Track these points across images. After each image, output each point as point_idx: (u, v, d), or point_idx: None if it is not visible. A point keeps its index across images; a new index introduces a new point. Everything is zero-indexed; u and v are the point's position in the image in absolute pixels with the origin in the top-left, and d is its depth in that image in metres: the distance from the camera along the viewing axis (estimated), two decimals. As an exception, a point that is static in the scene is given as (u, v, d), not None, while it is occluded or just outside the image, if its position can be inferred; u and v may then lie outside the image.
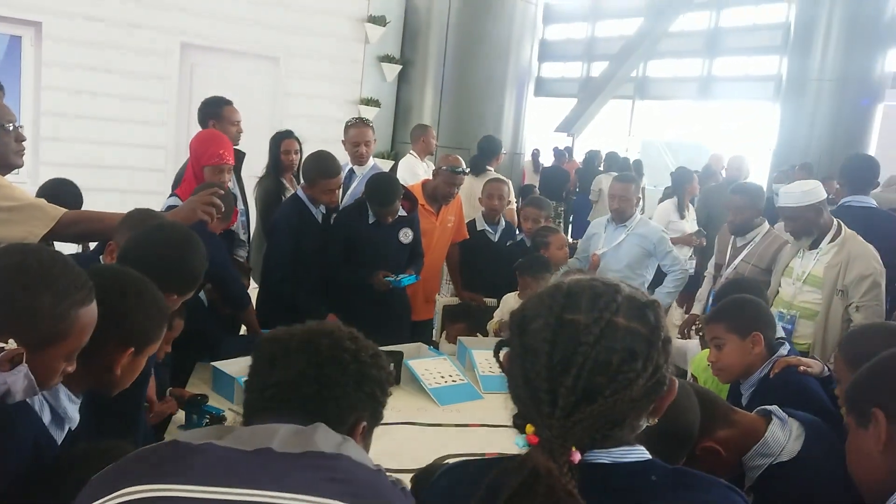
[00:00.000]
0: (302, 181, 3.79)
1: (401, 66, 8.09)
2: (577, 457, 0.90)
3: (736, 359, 2.26)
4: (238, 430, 1.11)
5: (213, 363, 2.82)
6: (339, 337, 1.20)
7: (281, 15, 7.30)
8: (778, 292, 3.41)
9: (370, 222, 3.62)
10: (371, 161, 4.37)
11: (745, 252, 3.86)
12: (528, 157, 13.41)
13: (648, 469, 0.98)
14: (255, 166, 4.48)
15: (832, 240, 3.24)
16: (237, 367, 2.80)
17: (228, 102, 4.18)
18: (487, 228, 4.30)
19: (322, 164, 3.53)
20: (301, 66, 7.53)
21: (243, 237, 3.97)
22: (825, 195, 3.26)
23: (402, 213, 3.68)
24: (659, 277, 4.16)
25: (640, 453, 0.99)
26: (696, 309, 4.15)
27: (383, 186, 3.58)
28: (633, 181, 4.05)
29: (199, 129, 3.93)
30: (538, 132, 17.31)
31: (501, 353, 1.03)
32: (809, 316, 3.26)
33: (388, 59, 8.01)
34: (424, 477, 1.71)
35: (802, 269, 3.27)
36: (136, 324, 1.48)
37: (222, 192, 2.69)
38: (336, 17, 7.74)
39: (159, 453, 1.06)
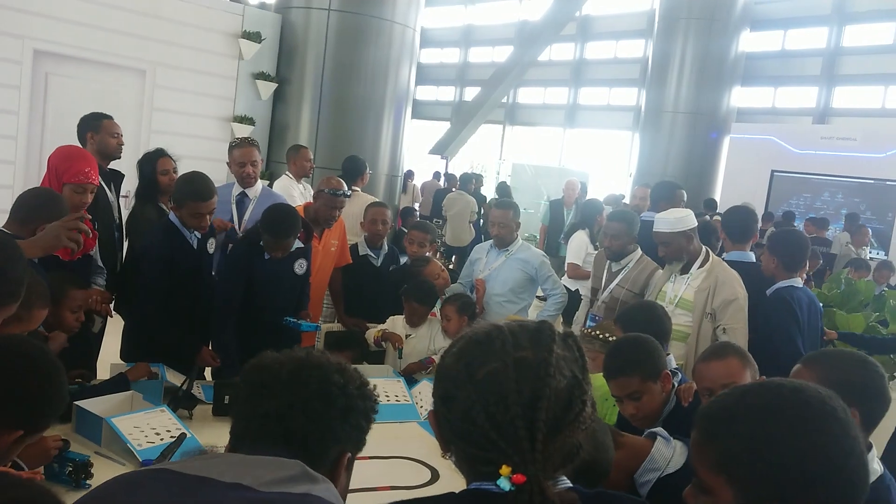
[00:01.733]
0: (171, 202, 3.52)
1: (276, 84, 7.89)
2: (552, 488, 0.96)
3: (656, 404, 2.22)
4: (220, 458, 1.10)
5: (76, 402, 2.57)
6: (328, 370, 1.19)
7: (149, 25, 6.92)
8: None
9: (266, 257, 3.44)
10: (259, 183, 4.19)
11: (619, 277, 4.02)
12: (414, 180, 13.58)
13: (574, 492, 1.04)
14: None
15: (701, 265, 3.45)
16: (104, 406, 2.57)
17: (108, 116, 3.93)
18: (370, 253, 4.23)
19: (194, 185, 3.24)
20: (170, 80, 7.17)
21: (101, 264, 3.63)
22: (695, 223, 3.47)
23: (298, 244, 3.53)
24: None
25: (564, 482, 1.04)
26: (575, 331, 4.28)
27: (281, 219, 3.38)
28: (512, 207, 4.12)
29: (58, 144, 3.60)
30: (412, 154, 17.50)
31: (429, 414, 1.08)
32: (681, 338, 3.43)
33: (263, 76, 7.79)
34: None
35: (674, 294, 3.47)
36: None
37: (88, 216, 2.45)
38: (208, 32, 7.45)
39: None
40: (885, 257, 9.78)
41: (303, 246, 3.60)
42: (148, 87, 7.07)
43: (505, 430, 0.96)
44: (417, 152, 17.63)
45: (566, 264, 6.01)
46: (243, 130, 7.43)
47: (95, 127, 3.85)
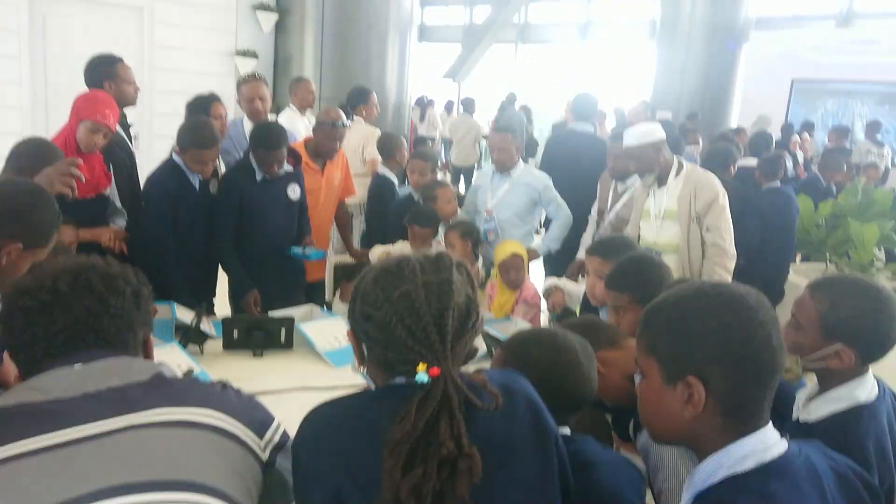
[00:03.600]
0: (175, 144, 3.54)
1: (277, 15, 7.74)
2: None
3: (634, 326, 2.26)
4: (47, 381, 1.19)
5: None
6: (103, 268, 1.31)
7: (142, -40, 6.78)
8: (640, 237, 3.58)
9: (258, 180, 3.48)
10: (270, 118, 4.19)
11: (625, 197, 3.99)
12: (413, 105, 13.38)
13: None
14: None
15: (676, 174, 3.46)
16: None
17: (120, 59, 3.80)
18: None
19: (195, 134, 3.29)
20: (168, 15, 7.05)
21: (119, 205, 3.66)
22: (664, 136, 3.47)
23: (287, 168, 3.55)
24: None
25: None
26: (580, 254, 4.27)
27: (270, 130, 3.46)
28: (510, 130, 4.06)
29: (61, 86, 3.58)
30: (424, 79, 17.20)
31: (347, 332, 1.32)
32: (673, 249, 3.46)
33: (263, 7, 7.64)
34: None
35: (658, 208, 3.47)
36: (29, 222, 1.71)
37: (80, 162, 2.44)
38: (202, -38, 7.27)
39: None
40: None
41: (292, 170, 3.62)
42: (147, 23, 6.97)
43: (419, 336, 1.17)
44: (431, 77, 17.34)
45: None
46: (247, 64, 7.33)
47: (111, 74, 3.72)
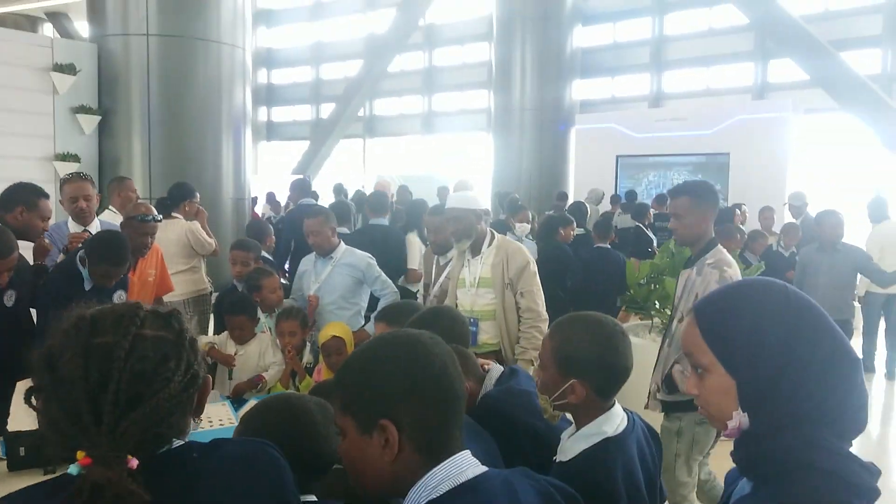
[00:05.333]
0: None
1: (100, 117, 7.51)
2: (133, 462, 0.96)
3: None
4: None
5: None
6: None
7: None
8: (457, 304, 3.67)
9: (86, 289, 3.23)
10: (97, 220, 3.96)
11: (447, 270, 4.09)
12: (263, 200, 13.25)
13: (186, 450, 1.08)
14: None
15: (489, 244, 3.63)
16: None
17: (45, 195, 3.51)
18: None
19: None
20: (-22, 122, 6.67)
21: None
22: (484, 206, 3.67)
23: None
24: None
25: (180, 442, 1.09)
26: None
27: (119, 243, 3.22)
28: (323, 213, 4.09)
29: None
30: (275, 175, 17.16)
31: (33, 399, 1.03)
32: (490, 316, 3.57)
33: (84, 109, 7.40)
34: None
35: (473, 276, 3.58)
36: None
37: None
38: (15, 67, 6.99)
39: None
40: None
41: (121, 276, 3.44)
42: (-48, 132, 6.55)
43: (72, 414, 0.97)
44: (281, 174, 17.33)
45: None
46: (67, 168, 7.01)
47: (30, 204, 3.43)
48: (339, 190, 11.42)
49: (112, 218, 5.20)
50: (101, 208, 5.78)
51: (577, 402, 1.62)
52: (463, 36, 17.57)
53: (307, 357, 3.81)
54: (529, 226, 7.26)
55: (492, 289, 3.55)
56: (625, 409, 1.71)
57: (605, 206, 10.89)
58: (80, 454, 0.96)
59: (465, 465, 1.13)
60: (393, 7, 17.33)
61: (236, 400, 3.37)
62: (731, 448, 1.07)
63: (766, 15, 12.11)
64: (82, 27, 6.89)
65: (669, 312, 5.29)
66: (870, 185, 11.04)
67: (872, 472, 1.00)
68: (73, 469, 0.95)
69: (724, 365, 1.06)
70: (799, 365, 1.00)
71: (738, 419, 1.04)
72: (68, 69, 7.19)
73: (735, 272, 2.97)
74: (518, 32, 14.58)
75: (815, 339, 1.02)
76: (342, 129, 17.92)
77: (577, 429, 1.67)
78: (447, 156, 18.47)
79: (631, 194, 10.70)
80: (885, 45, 11.79)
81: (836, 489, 0.95)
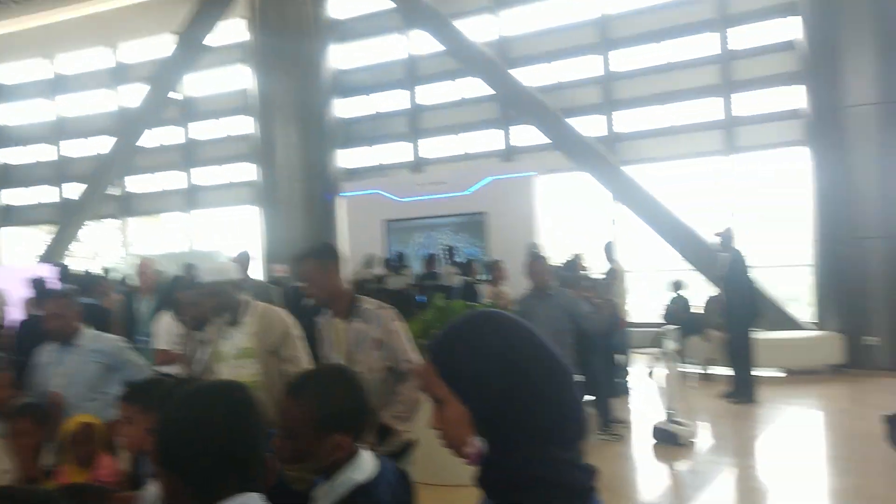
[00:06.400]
0: None
1: None
2: None
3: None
4: None
5: None
6: None
7: None
8: None
9: None
10: None
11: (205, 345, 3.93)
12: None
13: None
14: None
15: (248, 314, 3.56)
16: None
17: None
18: None
19: None
20: None
21: None
22: (238, 276, 3.62)
23: None
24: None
25: None
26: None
27: None
28: (67, 295, 3.78)
29: None
30: (21, 262, 15.37)
31: None
32: (256, 387, 3.45)
33: None
34: None
35: (233, 347, 3.48)
36: None
37: None
38: None
39: None
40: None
41: None
42: None
43: None
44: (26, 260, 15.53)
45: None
46: None
47: None
48: (65, 274, 10.57)
49: None
50: None
51: (344, 454, 1.63)
52: (220, 110, 17.25)
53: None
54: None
55: (254, 359, 3.45)
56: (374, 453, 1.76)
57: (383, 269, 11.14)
58: None
59: None
60: (142, 81, 16.62)
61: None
62: None
63: (506, 86, 13.42)
64: None
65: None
66: (606, 232, 12.52)
67: (589, 472, 1.12)
68: None
69: (456, 394, 1.13)
70: (520, 386, 1.09)
71: (476, 445, 1.12)
72: None
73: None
74: (277, 105, 14.74)
75: (531, 359, 1.12)
76: (94, 209, 16.61)
77: (328, 479, 1.68)
78: (213, 230, 17.82)
79: (398, 257, 11.07)
80: (604, 110, 13.55)
81: (561, 497, 1.06)
